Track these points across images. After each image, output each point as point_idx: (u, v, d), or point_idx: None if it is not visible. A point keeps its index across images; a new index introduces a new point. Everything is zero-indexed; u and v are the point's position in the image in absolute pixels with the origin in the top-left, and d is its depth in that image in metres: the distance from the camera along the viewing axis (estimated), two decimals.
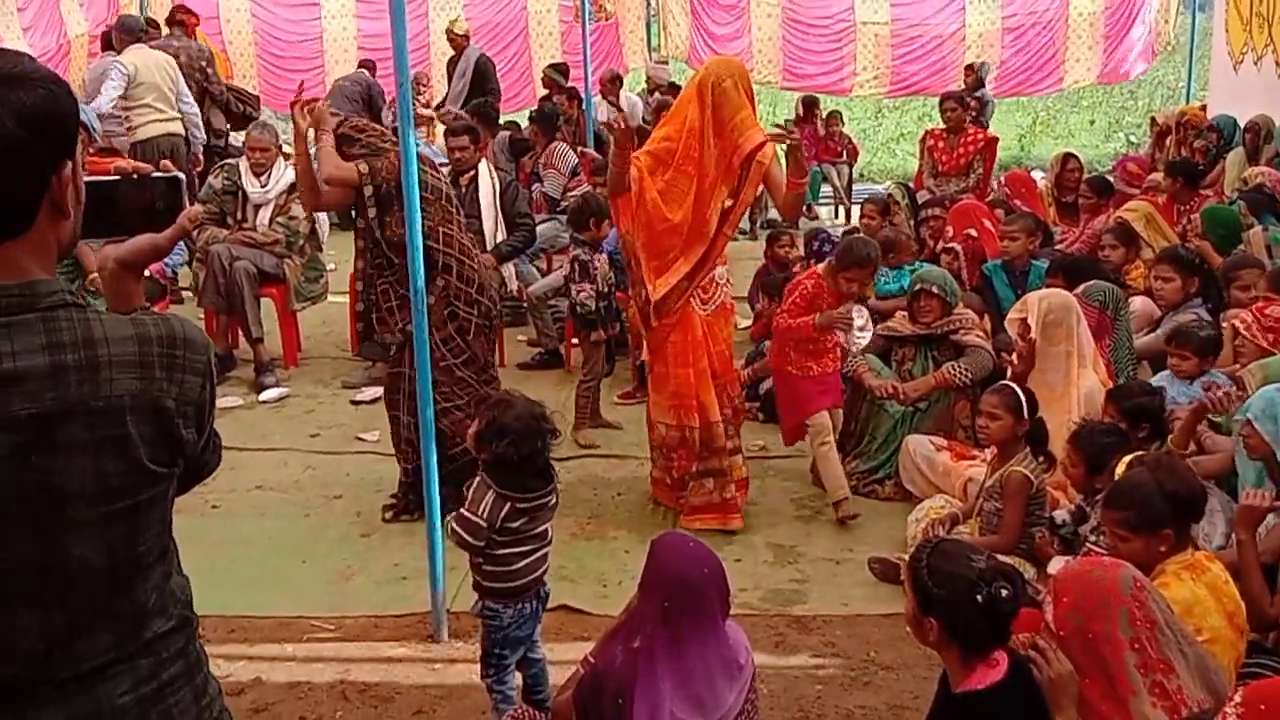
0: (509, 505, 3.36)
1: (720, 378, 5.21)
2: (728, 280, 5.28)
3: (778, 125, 5.10)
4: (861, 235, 5.94)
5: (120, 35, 9.61)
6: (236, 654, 4.13)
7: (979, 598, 2.59)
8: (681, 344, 5.11)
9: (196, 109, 9.67)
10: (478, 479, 3.42)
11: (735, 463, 5.27)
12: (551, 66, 12.21)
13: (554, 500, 3.54)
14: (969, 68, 13.04)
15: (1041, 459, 4.46)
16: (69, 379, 1.51)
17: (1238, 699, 2.00)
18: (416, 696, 3.90)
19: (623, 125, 5.14)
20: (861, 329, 4.61)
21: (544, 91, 11.82)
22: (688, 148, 4.94)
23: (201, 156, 9.62)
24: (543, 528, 3.49)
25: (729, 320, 5.37)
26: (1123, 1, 14.61)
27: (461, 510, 3.39)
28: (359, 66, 12.68)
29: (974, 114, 11.90)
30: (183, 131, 9.39)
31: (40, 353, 1.50)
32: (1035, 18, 14.70)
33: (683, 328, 5.11)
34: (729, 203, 5.02)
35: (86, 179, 1.68)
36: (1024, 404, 4.45)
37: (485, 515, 3.34)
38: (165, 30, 10.49)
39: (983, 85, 12.63)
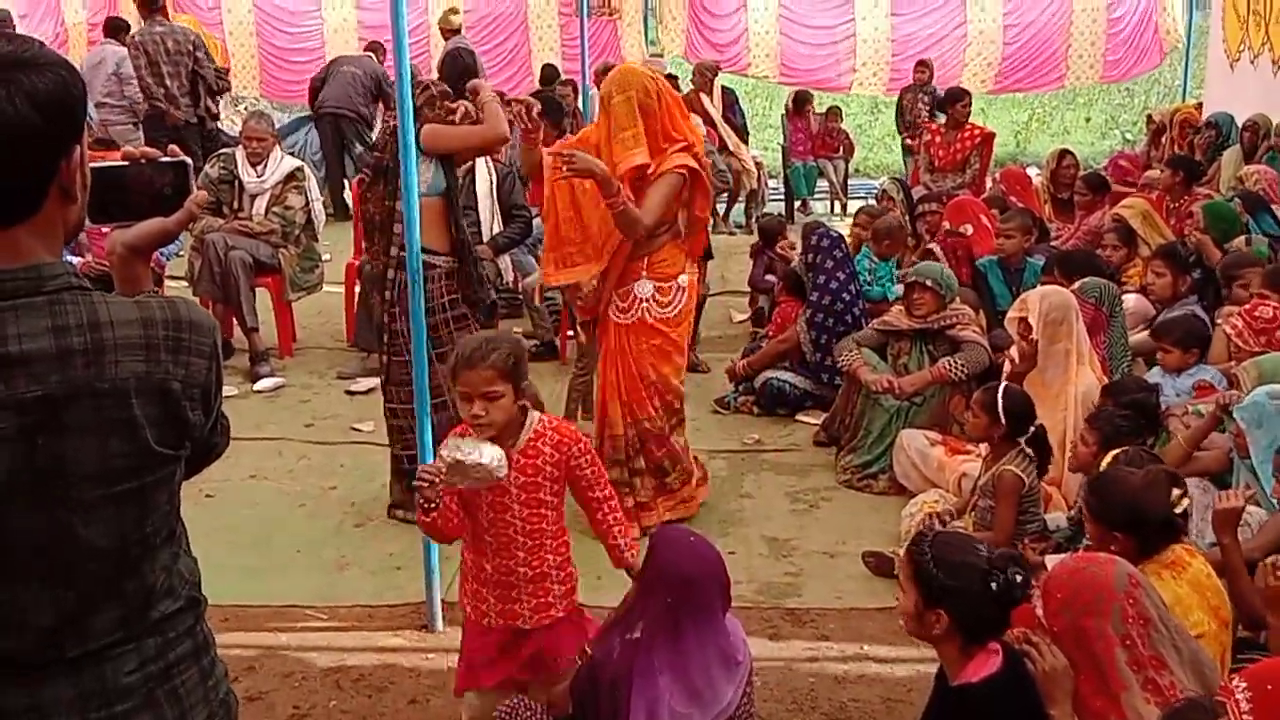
0: None
1: (628, 395, 4.93)
2: (654, 298, 4.89)
3: (555, 154, 4.68)
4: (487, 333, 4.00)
5: None
6: (230, 643, 4.11)
7: (993, 585, 2.58)
8: (602, 350, 5.07)
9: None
10: None
11: (637, 485, 5.01)
12: (543, 81, 12.26)
13: None
14: (920, 63, 12.93)
15: (1035, 457, 4.45)
16: (75, 362, 1.52)
17: (1242, 684, 1.99)
18: (411, 686, 3.91)
19: (533, 112, 4.79)
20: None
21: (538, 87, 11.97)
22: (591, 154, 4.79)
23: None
24: None
25: (650, 337, 4.93)
26: None
27: None
28: (365, 49, 12.57)
29: (929, 110, 11.91)
30: None
31: (46, 335, 1.51)
32: (1038, 15, 14.62)
33: (599, 332, 5.05)
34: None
35: (94, 164, 1.69)
36: (1000, 406, 4.42)
37: None
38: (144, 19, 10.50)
39: (932, 79, 12.62)
